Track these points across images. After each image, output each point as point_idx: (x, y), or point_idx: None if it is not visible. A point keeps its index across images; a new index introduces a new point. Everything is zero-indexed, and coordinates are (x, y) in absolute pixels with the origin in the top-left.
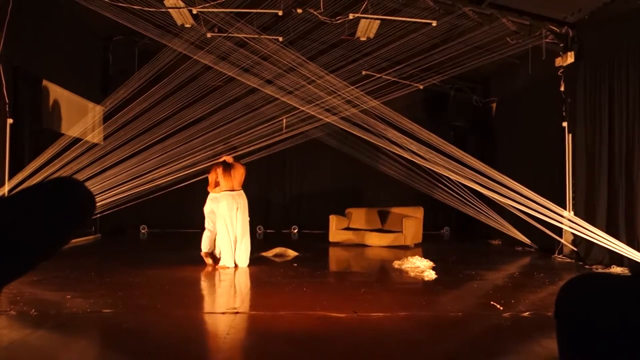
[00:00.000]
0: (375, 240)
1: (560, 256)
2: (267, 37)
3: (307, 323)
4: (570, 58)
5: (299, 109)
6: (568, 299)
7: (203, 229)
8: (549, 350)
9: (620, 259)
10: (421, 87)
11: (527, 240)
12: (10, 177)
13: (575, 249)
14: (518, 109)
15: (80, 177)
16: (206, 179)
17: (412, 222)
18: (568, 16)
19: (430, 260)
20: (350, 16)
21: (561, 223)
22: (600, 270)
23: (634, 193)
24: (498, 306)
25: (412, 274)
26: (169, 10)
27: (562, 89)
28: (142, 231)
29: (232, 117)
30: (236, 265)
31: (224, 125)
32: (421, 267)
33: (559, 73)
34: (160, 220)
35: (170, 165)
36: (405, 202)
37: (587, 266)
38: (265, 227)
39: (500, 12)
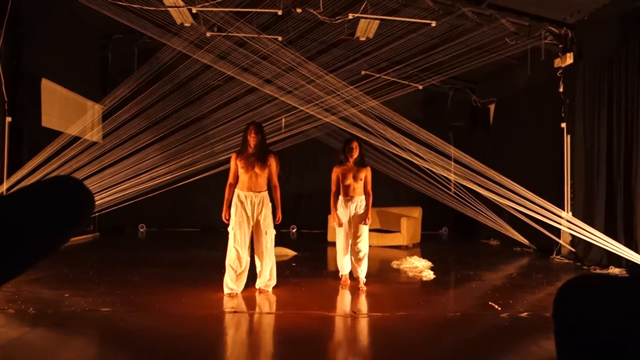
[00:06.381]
0: (374, 240)
1: (558, 257)
2: (266, 36)
3: (306, 323)
4: (569, 59)
5: (298, 108)
6: (566, 299)
7: (201, 228)
8: (547, 351)
9: (618, 260)
10: (420, 87)
11: (525, 241)
12: (8, 175)
13: (573, 250)
14: (517, 110)
15: (79, 175)
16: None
17: (410, 222)
18: (567, 17)
19: (429, 260)
20: (350, 16)
21: (559, 224)
22: (598, 271)
23: (633, 194)
24: (496, 307)
25: (410, 274)
26: (169, 9)
27: (561, 89)
28: (141, 230)
29: (231, 116)
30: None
31: (223, 124)
32: (419, 267)
33: (557, 74)
34: (158, 219)
35: (169, 164)
36: (403, 202)
37: (585, 267)
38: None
39: (499, 13)
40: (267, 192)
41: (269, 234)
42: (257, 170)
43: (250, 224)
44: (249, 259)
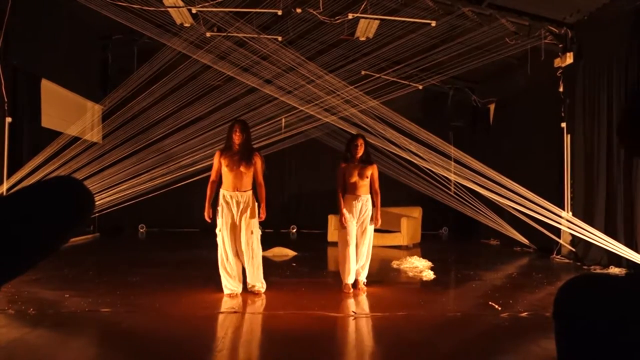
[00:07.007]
0: (374, 240)
1: (558, 257)
2: (266, 36)
3: (306, 323)
4: (569, 59)
5: (298, 108)
6: (566, 299)
7: (201, 228)
8: (547, 351)
9: (618, 260)
10: (420, 87)
11: (525, 241)
12: (9, 176)
13: (573, 250)
14: (517, 110)
15: (79, 176)
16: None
17: (410, 222)
18: (567, 17)
19: (429, 260)
20: (350, 16)
21: (559, 223)
22: (598, 271)
23: (632, 193)
24: (496, 306)
25: (410, 274)
26: (169, 9)
27: (560, 89)
28: (141, 230)
29: (231, 117)
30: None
31: (223, 124)
32: (420, 267)
33: (557, 74)
34: (158, 219)
35: (169, 164)
36: (403, 202)
37: (585, 267)
38: (263, 227)
39: (499, 13)
40: (252, 191)
41: (255, 234)
42: (242, 169)
43: (237, 224)
44: (242, 258)
